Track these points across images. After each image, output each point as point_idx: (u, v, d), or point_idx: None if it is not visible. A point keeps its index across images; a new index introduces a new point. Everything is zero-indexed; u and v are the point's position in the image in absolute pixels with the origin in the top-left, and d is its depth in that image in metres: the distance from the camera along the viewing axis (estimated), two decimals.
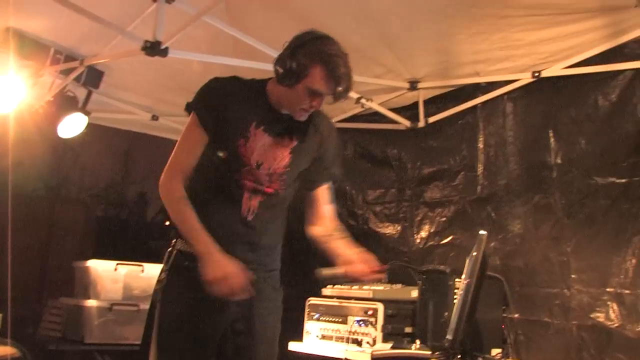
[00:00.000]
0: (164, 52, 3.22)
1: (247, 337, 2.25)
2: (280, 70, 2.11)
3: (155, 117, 4.74)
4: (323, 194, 2.48)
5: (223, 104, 2.16)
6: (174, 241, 2.23)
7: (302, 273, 4.74)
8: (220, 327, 2.20)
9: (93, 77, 3.95)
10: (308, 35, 2.13)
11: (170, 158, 2.20)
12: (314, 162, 2.35)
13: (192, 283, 2.08)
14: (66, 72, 3.83)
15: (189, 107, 2.21)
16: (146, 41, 3.16)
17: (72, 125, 4.04)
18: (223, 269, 2.02)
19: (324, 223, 2.57)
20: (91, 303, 4.08)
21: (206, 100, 2.19)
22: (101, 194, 6.60)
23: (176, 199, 2.14)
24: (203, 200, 2.17)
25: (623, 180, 3.27)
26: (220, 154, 2.17)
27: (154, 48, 3.17)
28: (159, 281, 2.21)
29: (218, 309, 2.16)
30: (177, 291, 2.18)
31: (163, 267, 2.22)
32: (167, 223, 2.35)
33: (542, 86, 3.65)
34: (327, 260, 4.60)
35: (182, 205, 2.13)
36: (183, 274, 2.17)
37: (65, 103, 3.95)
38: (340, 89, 2.12)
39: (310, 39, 2.12)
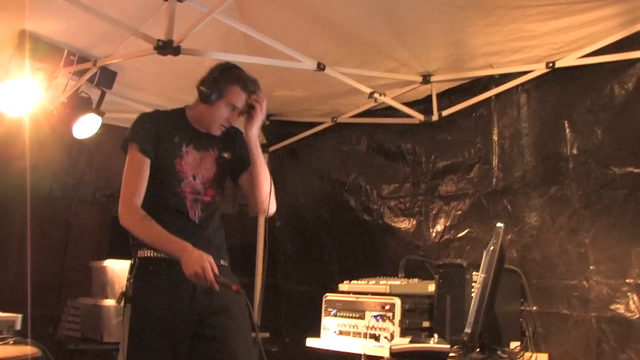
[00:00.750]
0: (176, 51, 3.23)
1: (220, 335, 2.55)
2: (205, 90, 2.61)
3: None
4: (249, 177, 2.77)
5: (155, 132, 2.59)
6: (136, 251, 2.55)
7: (317, 270, 4.78)
8: (190, 321, 2.50)
9: (106, 78, 3.97)
10: (225, 65, 2.72)
11: (122, 190, 2.53)
12: (234, 160, 2.78)
13: (159, 285, 2.48)
14: (79, 74, 3.84)
15: (126, 142, 2.60)
16: (158, 40, 3.18)
17: (87, 126, 4.06)
18: (200, 262, 2.32)
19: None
20: (109, 302, 4.11)
21: (140, 131, 2.59)
22: (116, 194, 6.64)
23: (139, 219, 2.45)
24: (157, 213, 2.49)
25: None
26: (160, 172, 2.57)
27: (166, 47, 3.19)
28: (124, 290, 2.52)
29: (186, 304, 2.49)
30: (146, 294, 2.48)
31: (128, 276, 2.53)
32: None
33: (556, 77, 3.62)
34: (344, 257, 4.65)
35: (146, 222, 2.44)
36: (149, 278, 2.51)
37: (79, 104, 3.97)
38: (252, 97, 2.67)
39: (228, 67, 2.70)
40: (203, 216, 2.63)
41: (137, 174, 2.54)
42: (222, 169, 2.75)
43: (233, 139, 2.81)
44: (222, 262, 2.66)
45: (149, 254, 2.52)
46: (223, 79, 2.65)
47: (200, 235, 2.58)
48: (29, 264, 3.82)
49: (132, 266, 2.56)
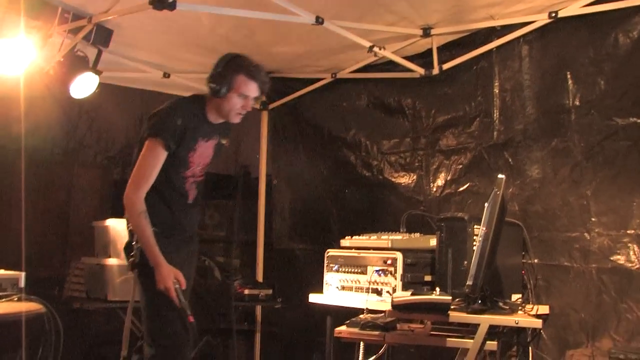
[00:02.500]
0: (171, 6, 3.18)
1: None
2: (214, 86, 2.81)
3: (166, 75, 4.71)
4: None
5: (183, 130, 2.81)
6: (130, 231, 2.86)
7: (320, 228, 4.79)
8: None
9: (102, 36, 3.90)
10: (228, 56, 2.86)
11: (137, 173, 2.81)
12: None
13: (168, 249, 2.79)
14: (75, 32, 3.78)
15: (155, 132, 2.80)
16: None
17: (84, 86, 4.01)
18: (167, 281, 2.69)
19: None
20: (112, 262, 4.13)
21: (171, 128, 2.80)
22: (117, 156, 6.65)
23: (138, 213, 2.74)
24: (163, 191, 2.85)
25: None
26: (173, 162, 2.84)
27: (161, 2, 3.14)
28: (133, 256, 2.81)
29: (185, 264, 2.93)
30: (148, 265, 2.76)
31: (134, 243, 2.81)
32: None
33: (559, 27, 3.56)
34: (345, 214, 4.65)
35: (142, 219, 2.74)
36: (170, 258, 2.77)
37: (76, 63, 3.91)
38: (261, 86, 2.88)
39: (230, 58, 2.85)
40: (196, 194, 3.00)
41: (154, 167, 2.80)
42: (215, 153, 3.06)
43: (227, 125, 3.04)
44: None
45: (155, 229, 2.79)
46: (227, 71, 2.82)
47: (192, 213, 3.02)
48: (23, 224, 3.82)
49: (131, 234, 2.84)
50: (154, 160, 2.80)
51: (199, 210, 3.10)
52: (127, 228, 2.91)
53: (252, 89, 2.87)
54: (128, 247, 2.88)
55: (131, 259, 2.82)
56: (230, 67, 2.83)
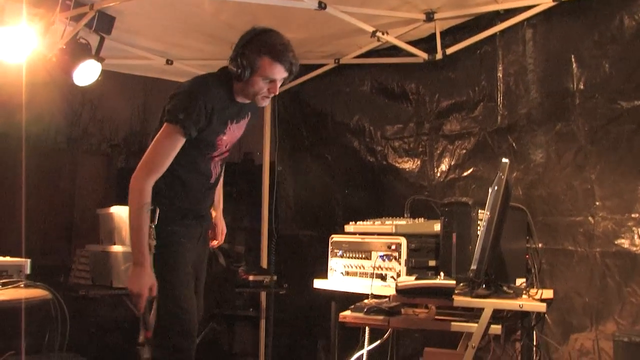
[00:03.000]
0: None
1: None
2: (235, 70, 2.56)
3: (169, 62, 4.70)
4: None
5: (208, 116, 2.58)
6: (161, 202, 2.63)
7: (324, 214, 4.79)
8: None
9: (104, 23, 3.89)
10: (251, 33, 2.59)
11: (149, 157, 2.57)
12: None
13: (177, 240, 2.68)
14: (77, 19, 3.77)
15: (175, 119, 2.54)
16: None
17: (87, 73, 4.00)
18: (145, 286, 2.50)
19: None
20: (117, 249, 4.14)
21: (193, 115, 2.54)
22: (121, 144, 6.66)
23: (142, 204, 2.52)
24: (185, 172, 2.67)
25: None
26: (199, 146, 2.64)
27: None
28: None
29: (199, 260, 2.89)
30: (166, 246, 2.64)
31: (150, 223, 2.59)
32: None
33: (563, 10, 3.53)
34: (349, 200, 4.66)
35: (144, 212, 2.52)
36: (168, 233, 2.65)
37: (78, 50, 3.90)
38: (288, 67, 2.60)
39: (252, 35, 2.57)
40: (219, 172, 2.84)
41: (169, 154, 2.58)
42: (244, 132, 2.87)
43: (254, 109, 2.86)
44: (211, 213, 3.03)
45: (177, 211, 2.69)
46: (250, 52, 2.55)
47: (210, 194, 2.88)
48: (24, 211, 3.84)
49: (152, 213, 2.59)
50: (170, 147, 2.57)
51: (214, 189, 2.92)
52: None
53: (279, 71, 2.59)
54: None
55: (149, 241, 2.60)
56: (252, 48, 2.55)
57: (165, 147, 2.57)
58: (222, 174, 2.94)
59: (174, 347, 2.62)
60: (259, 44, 2.55)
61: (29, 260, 2.97)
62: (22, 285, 2.75)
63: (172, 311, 2.62)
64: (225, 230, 3.18)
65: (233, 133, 2.75)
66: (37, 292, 2.70)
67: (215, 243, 3.15)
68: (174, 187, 2.67)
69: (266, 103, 2.77)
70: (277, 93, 2.71)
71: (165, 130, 2.57)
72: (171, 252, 2.65)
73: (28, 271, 2.96)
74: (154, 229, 2.57)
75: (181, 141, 2.57)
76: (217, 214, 3.13)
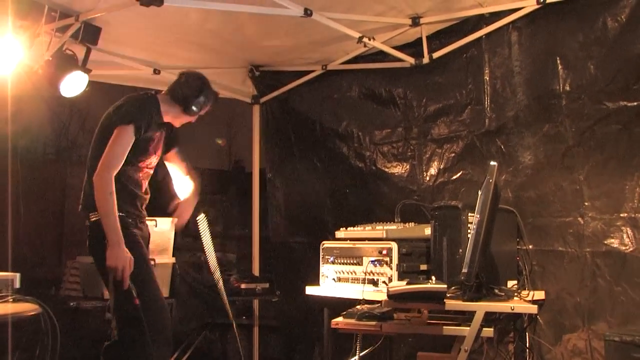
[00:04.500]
0: (158, 1, 3.16)
1: None
2: (191, 107, 3.21)
3: (157, 71, 4.69)
4: (175, 155, 3.51)
5: (150, 119, 3.12)
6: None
7: (314, 220, 4.79)
8: None
9: (90, 34, 3.88)
10: (205, 85, 3.25)
11: (109, 156, 3.00)
12: (167, 140, 3.39)
13: (136, 237, 3.10)
14: (62, 30, 3.76)
15: (128, 121, 3.04)
16: None
17: (74, 84, 3.98)
18: (124, 260, 2.90)
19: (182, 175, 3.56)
20: None
21: (143, 115, 3.08)
22: None
23: (109, 193, 2.95)
24: (122, 181, 3.07)
25: (635, 104, 3.22)
26: (136, 150, 3.09)
27: None
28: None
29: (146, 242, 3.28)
30: (131, 246, 3.00)
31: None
32: None
33: (547, 12, 3.56)
34: (338, 206, 4.65)
35: (112, 199, 2.95)
36: (129, 230, 3.07)
37: (65, 62, 3.88)
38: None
39: (207, 88, 3.26)
40: (146, 187, 3.28)
41: (125, 151, 3.03)
42: (164, 147, 3.37)
43: (170, 124, 3.35)
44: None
45: (124, 214, 3.06)
46: (206, 100, 3.25)
47: (143, 202, 3.27)
48: (10, 225, 3.83)
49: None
50: (125, 145, 3.02)
51: (146, 201, 3.31)
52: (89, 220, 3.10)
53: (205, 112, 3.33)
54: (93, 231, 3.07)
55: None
56: (208, 98, 3.25)
57: (121, 146, 3.02)
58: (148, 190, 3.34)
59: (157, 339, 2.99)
60: (211, 95, 3.28)
61: (18, 275, 2.95)
62: (11, 300, 2.73)
63: (152, 304, 3.01)
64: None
65: (157, 144, 3.26)
66: (26, 307, 2.68)
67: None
68: (122, 194, 3.04)
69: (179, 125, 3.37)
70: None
71: (120, 132, 3.03)
72: (137, 254, 3.01)
73: (17, 285, 2.93)
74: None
75: (132, 139, 3.04)
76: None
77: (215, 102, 3.36)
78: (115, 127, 3.05)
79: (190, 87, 3.24)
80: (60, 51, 3.87)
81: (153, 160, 3.29)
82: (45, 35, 3.77)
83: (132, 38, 4.26)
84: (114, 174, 2.99)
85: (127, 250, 2.94)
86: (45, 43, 3.84)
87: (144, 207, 3.30)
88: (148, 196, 3.32)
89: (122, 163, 3.03)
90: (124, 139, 3.04)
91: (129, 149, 3.05)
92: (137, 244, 3.09)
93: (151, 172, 3.31)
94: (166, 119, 3.27)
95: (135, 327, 2.95)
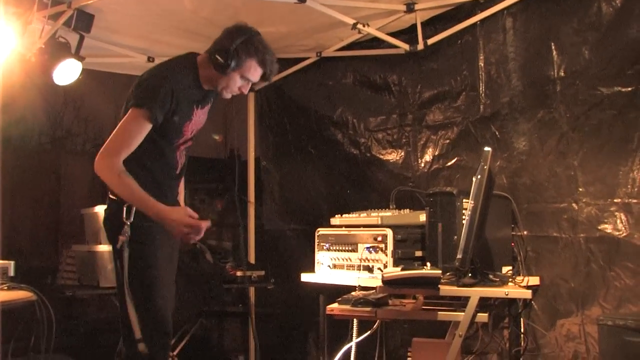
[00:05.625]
0: None
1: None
2: (220, 61, 2.57)
3: (151, 59, 4.66)
4: None
5: (172, 101, 2.56)
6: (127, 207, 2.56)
7: (310, 207, 4.79)
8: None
9: (83, 21, 3.85)
10: (246, 32, 2.63)
11: (113, 140, 2.51)
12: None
13: (153, 236, 2.59)
14: (55, 17, 3.73)
15: (141, 104, 2.52)
16: None
17: (67, 72, 3.97)
18: (180, 222, 2.46)
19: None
20: (102, 248, 4.12)
21: (158, 99, 2.52)
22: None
23: (117, 173, 2.47)
24: (149, 162, 2.62)
25: (629, 89, 3.22)
26: (166, 133, 2.62)
27: None
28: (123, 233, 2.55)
29: (172, 251, 2.78)
30: (153, 234, 2.58)
31: (125, 221, 2.55)
32: None
33: None
34: (334, 193, 4.65)
35: (124, 178, 2.47)
36: (145, 230, 2.57)
37: (58, 49, 3.87)
38: (267, 76, 2.71)
39: (248, 36, 2.62)
40: (183, 163, 2.81)
41: (135, 138, 2.54)
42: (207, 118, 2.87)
43: (215, 96, 2.86)
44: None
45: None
46: (241, 50, 2.60)
47: (176, 185, 2.84)
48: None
49: (127, 210, 2.56)
50: (136, 131, 2.53)
51: (180, 180, 2.90)
52: (109, 197, 2.65)
53: (258, 75, 2.69)
54: (112, 222, 2.61)
55: (121, 237, 2.54)
56: (244, 48, 2.61)
57: (130, 131, 2.53)
58: (186, 165, 2.90)
59: (150, 343, 2.55)
60: (253, 46, 2.62)
61: (12, 263, 2.95)
62: (6, 288, 2.73)
63: (147, 308, 2.57)
64: None
65: (198, 119, 2.76)
66: (21, 294, 2.68)
67: None
68: (144, 180, 2.57)
69: (229, 96, 2.77)
70: (246, 93, 2.80)
71: (131, 115, 2.54)
72: (147, 249, 2.61)
73: (12, 273, 2.93)
74: (129, 226, 2.54)
75: (147, 126, 2.54)
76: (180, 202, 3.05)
77: (264, 61, 2.65)
78: (130, 107, 2.57)
79: (224, 36, 2.65)
80: (53, 39, 3.85)
81: (189, 136, 2.78)
82: (37, 23, 3.74)
83: (126, 25, 4.23)
84: (119, 161, 2.50)
85: (179, 210, 2.55)
86: (37, 30, 3.81)
87: (175, 189, 2.83)
88: (181, 176, 2.86)
89: (130, 150, 2.53)
90: (134, 125, 2.54)
91: (143, 136, 2.55)
92: (151, 241, 2.62)
93: (190, 144, 2.83)
94: (207, 86, 2.73)
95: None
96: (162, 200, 2.60)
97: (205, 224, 2.49)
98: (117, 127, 2.56)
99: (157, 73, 2.65)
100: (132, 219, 2.55)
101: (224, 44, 2.61)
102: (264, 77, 2.72)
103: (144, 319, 2.53)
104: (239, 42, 2.59)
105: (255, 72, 2.67)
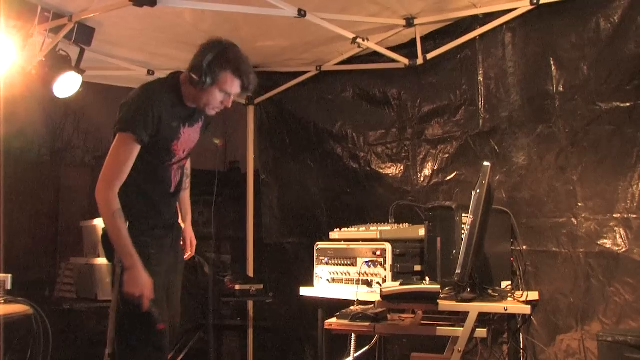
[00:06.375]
0: (152, 2, 3.17)
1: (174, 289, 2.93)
2: (197, 78, 2.60)
3: (151, 72, 4.69)
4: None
5: (156, 119, 2.61)
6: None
7: (309, 221, 4.79)
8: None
9: (84, 34, 3.87)
10: (218, 46, 2.65)
11: (107, 170, 2.60)
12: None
13: (155, 248, 2.71)
14: (56, 31, 3.76)
15: (125, 128, 2.59)
16: None
17: (67, 85, 3.98)
18: (143, 285, 2.54)
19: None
20: (101, 261, 4.12)
21: (141, 120, 2.58)
22: (105, 155, 6.61)
23: (112, 212, 2.55)
24: (143, 183, 2.69)
25: (628, 104, 3.22)
26: (156, 153, 2.68)
27: None
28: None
29: (170, 273, 2.85)
30: (151, 255, 2.67)
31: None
32: None
33: (541, 13, 3.56)
34: (333, 207, 4.65)
35: (117, 218, 2.56)
36: (142, 239, 2.65)
37: (58, 62, 3.88)
38: (246, 86, 2.69)
39: (221, 49, 2.64)
40: (178, 181, 2.86)
41: (126, 163, 2.60)
42: (201, 135, 2.92)
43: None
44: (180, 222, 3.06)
45: (139, 222, 2.68)
46: (214, 64, 2.62)
47: (173, 202, 2.90)
48: (2, 224, 3.79)
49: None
50: (126, 155, 2.60)
51: (176, 199, 2.95)
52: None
53: (236, 87, 2.69)
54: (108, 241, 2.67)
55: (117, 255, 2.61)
56: (217, 61, 2.62)
57: (121, 156, 2.60)
58: (186, 182, 2.99)
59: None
60: (226, 58, 2.64)
61: (9, 276, 2.94)
62: (3, 301, 2.72)
63: (141, 323, 2.60)
64: (194, 242, 3.19)
65: (189, 137, 2.79)
66: (18, 308, 2.67)
67: (186, 256, 3.14)
68: (137, 199, 2.69)
69: (214, 113, 2.79)
70: (230, 107, 2.78)
71: (118, 140, 2.61)
72: (147, 268, 2.63)
73: (9, 286, 2.92)
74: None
75: (135, 148, 2.60)
76: (185, 225, 3.13)
77: (239, 71, 2.65)
78: (116, 133, 2.64)
79: (198, 53, 2.66)
80: (54, 52, 3.86)
81: (182, 155, 2.83)
82: (38, 36, 3.76)
83: (126, 39, 4.25)
84: (117, 189, 2.59)
85: (147, 276, 2.57)
86: (38, 44, 3.83)
87: (171, 207, 2.89)
88: (186, 196, 3.00)
89: (125, 175, 2.60)
90: (123, 150, 2.60)
91: (134, 158, 2.62)
92: (147, 258, 2.65)
93: (185, 162, 2.89)
94: (190, 104, 2.75)
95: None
96: (157, 218, 2.77)
97: (145, 303, 2.55)
98: (109, 154, 2.63)
99: (139, 95, 2.67)
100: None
101: (197, 60, 2.63)
102: (243, 88, 2.71)
103: (137, 334, 2.60)
104: (211, 57, 2.61)
105: (232, 84, 2.67)
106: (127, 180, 2.62)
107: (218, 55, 2.63)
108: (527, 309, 3.00)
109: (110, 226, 2.57)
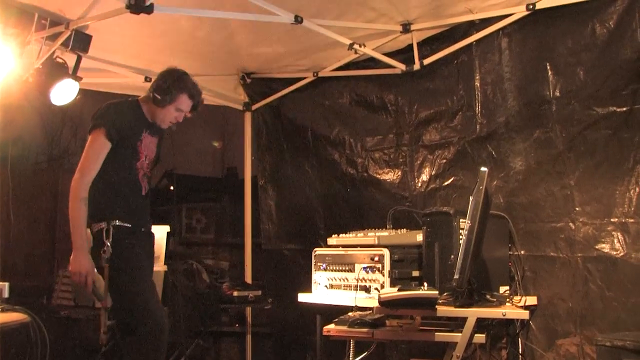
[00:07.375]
0: (149, 9, 3.16)
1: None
2: (158, 97, 3.16)
3: (148, 79, 4.67)
4: None
5: (122, 120, 3.14)
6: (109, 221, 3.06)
7: (307, 227, 4.78)
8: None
9: (81, 42, 3.87)
10: (175, 74, 3.22)
11: (83, 163, 3.06)
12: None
13: (134, 248, 3.10)
14: (53, 38, 3.75)
15: (97, 125, 3.09)
16: None
17: (64, 92, 3.98)
18: (85, 267, 2.94)
19: None
20: None
21: (110, 119, 3.11)
22: None
23: (80, 198, 3.00)
24: (116, 184, 3.12)
25: (624, 109, 3.24)
26: (124, 152, 3.13)
27: (138, 5, 3.11)
28: (104, 251, 2.99)
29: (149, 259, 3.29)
30: (126, 255, 3.04)
31: (105, 241, 3.01)
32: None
33: (537, 18, 3.58)
34: (330, 213, 4.65)
35: (82, 205, 3.00)
36: (127, 237, 3.07)
37: (55, 70, 3.88)
38: (196, 106, 3.29)
39: (178, 76, 3.22)
40: (148, 188, 3.28)
41: (98, 156, 3.08)
42: (157, 152, 3.36)
43: (162, 130, 3.36)
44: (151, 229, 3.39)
45: (122, 223, 3.08)
46: (174, 88, 3.18)
47: (146, 205, 3.28)
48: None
49: (106, 232, 3.03)
50: (97, 149, 3.07)
51: (149, 205, 3.32)
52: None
53: (189, 107, 3.26)
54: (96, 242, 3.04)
55: (103, 254, 2.97)
56: (176, 85, 3.18)
57: (94, 150, 3.07)
58: (150, 192, 3.34)
59: (150, 340, 2.98)
60: (183, 83, 3.21)
61: (6, 284, 2.93)
62: (0, 310, 2.71)
63: (143, 313, 2.98)
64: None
65: (149, 142, 3.26)
66: (15, 316, 2.66)
67: None
68: (116, 200, 3.11)
69: (166, 127, 3.30)
70: (181, 121, 3.32)
71: (91, 137, 3.09)
72: (131, 265, 3.05)
73: (6, 295, 2.91)
74: (109, 246, 2.98)
75: (106, 143, 3.07)
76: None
77: (192, 94, 3.25)
78: (90, 133, 3.12)
79: (159, 78, 3.24)
80: (51, 59, 3.86)
81: (145, 164, 3.26)
82: (35, 44, 3.76)
83: (123, 46, 4.25)
84: (89, 180, 3.04)
85: (90, 259, 2.97)
86: (35, 51, 3.83)
87: (146, 212, 3.28)
88: (149, 201, 3.31)
89: (97, 168, 3.06)
90: (96, 144, 3.08)
91: (105, 153, 3.08)
92: (132, 255, 3.08)
93: (149, 174, 3.32)
94: (149, 117, 3.26)
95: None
96: (138, 223, 3.16)
97: (88, 288, 2.99)
98: (84, 150, 3.09)
99: (107, 105, 3.19)
100: (110, 239, 3.01)
101: (159, 83, 3.19)
102: (193, 108, 3.29)
103: (141, 320, 2.96)
104: (171, 81, 3.18)
105: (186, 104, 3.24)
106: (101, 177, 3.05)
107: (177, 80, 3.21)
108: (525, 314, 3.00)
109: (74, 209, 2.99)
